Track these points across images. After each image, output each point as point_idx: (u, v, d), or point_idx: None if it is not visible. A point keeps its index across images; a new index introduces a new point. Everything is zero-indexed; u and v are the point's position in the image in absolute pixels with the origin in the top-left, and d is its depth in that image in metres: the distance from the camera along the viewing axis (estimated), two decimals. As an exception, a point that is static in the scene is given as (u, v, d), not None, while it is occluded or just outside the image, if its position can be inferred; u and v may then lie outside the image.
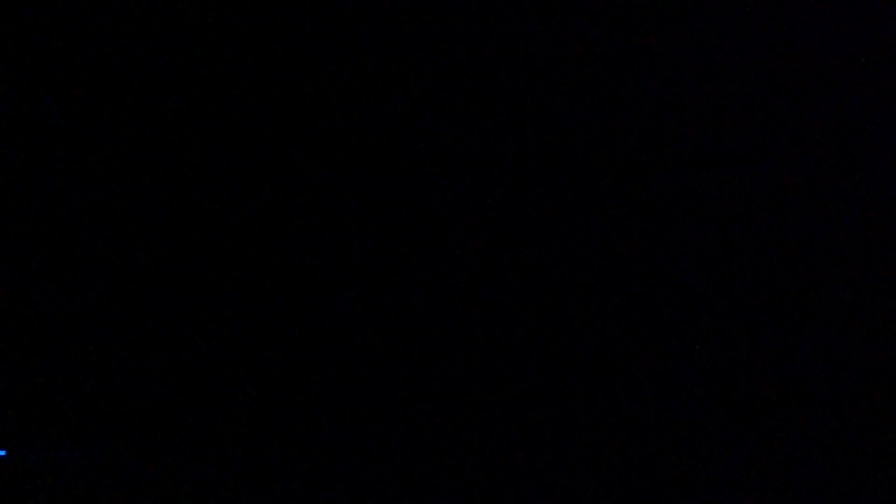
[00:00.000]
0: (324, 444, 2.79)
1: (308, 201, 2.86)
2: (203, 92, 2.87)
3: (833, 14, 2.83)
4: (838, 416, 2.75)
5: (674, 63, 2.86)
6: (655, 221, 2.83)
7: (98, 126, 2.86)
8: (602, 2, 2.87)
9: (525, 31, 2.88)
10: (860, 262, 2.79)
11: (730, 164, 2.84)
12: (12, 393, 2.76)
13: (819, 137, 2.83)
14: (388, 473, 2.78)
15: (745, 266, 2.81)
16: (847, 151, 2.82)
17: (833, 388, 2.76)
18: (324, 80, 2.88)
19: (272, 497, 2.77)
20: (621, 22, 2.87)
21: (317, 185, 2.86)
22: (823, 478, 2.73)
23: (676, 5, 2.86)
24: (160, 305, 2.82)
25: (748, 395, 2.78)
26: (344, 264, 2.85)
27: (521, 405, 2.80)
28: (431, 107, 2.87)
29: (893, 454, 2.72)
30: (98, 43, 2.85)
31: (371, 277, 2.84)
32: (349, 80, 2.88)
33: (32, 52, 2.84)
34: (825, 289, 2.79)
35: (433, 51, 2.88)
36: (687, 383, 2.79)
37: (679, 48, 2.86)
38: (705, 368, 2.79)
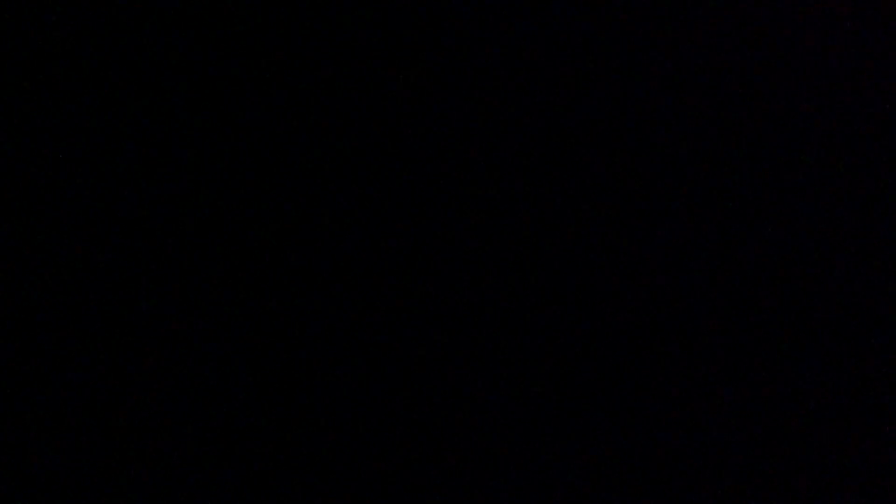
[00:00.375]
0: (323, 444, 2.79)
1: (308, 201, 2.86)
2: (203, 92, 2.87)
3: (833, 14, 2.83)
4: (838, 417, 2.75)
5: (674, 63, 2.85)
6: (656, 221, 2.83)
7: (97, 125, 2.85)
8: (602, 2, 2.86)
9: (525, 30, 2.87)
10: (860, 262, 2.79)
11: (729, 165, 2.83)
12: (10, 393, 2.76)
13: (818, 138, 2.83)
14: (387, 473, 2.78)
15: (744, 267, 2.81)
16: (847, 151, 2.82)
17: (833, 389, 2.76)
18: (324, 80, 2.88)
19: (272, 497, 2.77)
20: (621, 22, 2.86)
21: (317, 185, 2.86)
22: (823, 478, 2.73)
23: (676, 5, 2.85)
24: (159, 305, 2.82)
25: (748, 396, 2.77)
26: (343, 264, 2.84)
27: (521, 406, 2.80)
28: (431, 107, 2.87)
29: (894, 454, 2.72)
30: (97, 43, 2.85)
31: (370, 278, 2.84)
32: (349, 80, 2.88)
33: (32, 51, 2.83)
34: (824, 289, 2.79)
35: (433, 51, 2.88)
36: (687, 384, 2.78)
37: (679, 48, 2.85)
38: (705, 369, 2.79)
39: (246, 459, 2.77)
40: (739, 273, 2.81)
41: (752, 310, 2.79)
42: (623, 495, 2.75)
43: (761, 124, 2.84)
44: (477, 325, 2.81)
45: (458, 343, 2.81)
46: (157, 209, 2.84)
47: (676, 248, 2.82)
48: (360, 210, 2.85)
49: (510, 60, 2.87)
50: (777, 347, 2.78)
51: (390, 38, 2.88)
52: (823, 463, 2.73)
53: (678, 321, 2.79)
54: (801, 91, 2.84)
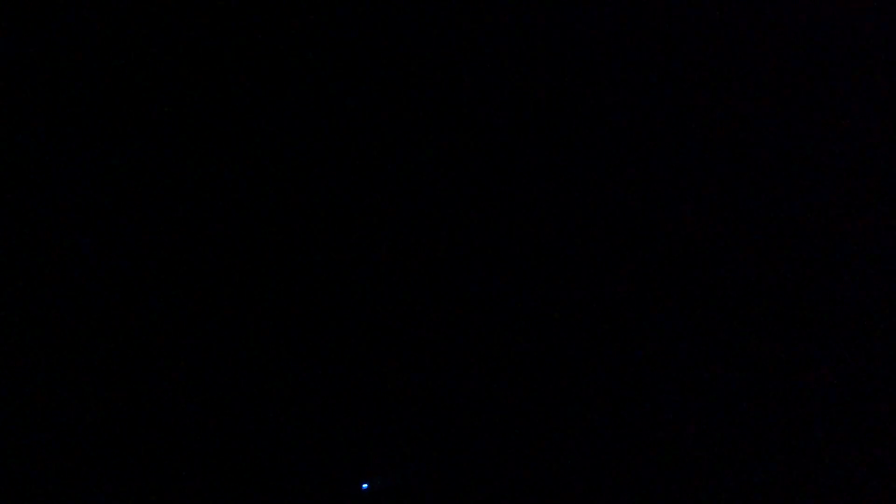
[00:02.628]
0: (322, 444, 2.79)
1: (308, 201, 2.86)
2: (202, 92, 2.87)
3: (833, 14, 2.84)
4: (838, 418, 2.75)
5: (673, 63, 2.86)
6: (656, 222, 2.83)
7: (97, 126, 2.86)
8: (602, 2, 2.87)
9: (524, 30, 2.88)
10: (860, 263, 2.79)
11: (728, 165, 2.84)
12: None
13: (818, 138, 2.83)
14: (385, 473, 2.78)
15: (744, 268, 2.81)
16: (847, 152, 2.82)
17: (833, 389, 2.76)
18: (324, 81, 2.89)
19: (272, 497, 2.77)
20: (621, 22, 2.87)
21: (316, 185, 2.86)
22: (824, 479, 2.73)
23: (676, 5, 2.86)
24: (160, 306, 2.82)
25: (748, 397, 2.77)
26: (342, 264, 2.85)
27: (520, 406, 2.80)
28: (431, 107, 2.88)
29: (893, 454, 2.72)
30: (97, 43, 2.85)
31: (370, 278, 2.84)
32: (349, 80, 2.88)
33: (32, 52, 2.84)
34: (825, 290, 2.79)
35: (433, 51, 2.88)
36: (686, 384, 2.79)
37: (679, 48, 2.86)
38: (704, 370, 2.79)
39: (244, 459, 2.78)
40: (739, 273, 2.81)
41: (751, 310, 2.80)
42: (622, 495, 2.76)
43: (761, 124, 2.84)
44: (475, 325, 2.82)
45: (456, 343, 2.81)
46: (156, 209, 2.84)
47: (676, 248, 2.82)
48: (360, 210, 2.85)
49: (510, 60, 2.88)
50: (776, 347, 2.79)
51: (390, 38, 2.89)
52: (823, 463, 2.73)
53: (677, 321, 2.80)
54: (801, 92, 2.84)
